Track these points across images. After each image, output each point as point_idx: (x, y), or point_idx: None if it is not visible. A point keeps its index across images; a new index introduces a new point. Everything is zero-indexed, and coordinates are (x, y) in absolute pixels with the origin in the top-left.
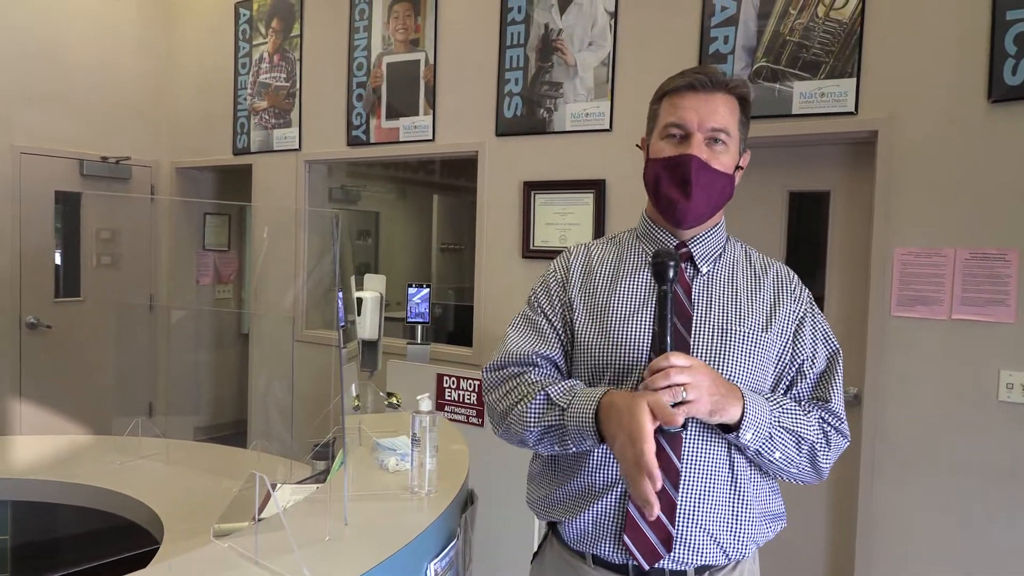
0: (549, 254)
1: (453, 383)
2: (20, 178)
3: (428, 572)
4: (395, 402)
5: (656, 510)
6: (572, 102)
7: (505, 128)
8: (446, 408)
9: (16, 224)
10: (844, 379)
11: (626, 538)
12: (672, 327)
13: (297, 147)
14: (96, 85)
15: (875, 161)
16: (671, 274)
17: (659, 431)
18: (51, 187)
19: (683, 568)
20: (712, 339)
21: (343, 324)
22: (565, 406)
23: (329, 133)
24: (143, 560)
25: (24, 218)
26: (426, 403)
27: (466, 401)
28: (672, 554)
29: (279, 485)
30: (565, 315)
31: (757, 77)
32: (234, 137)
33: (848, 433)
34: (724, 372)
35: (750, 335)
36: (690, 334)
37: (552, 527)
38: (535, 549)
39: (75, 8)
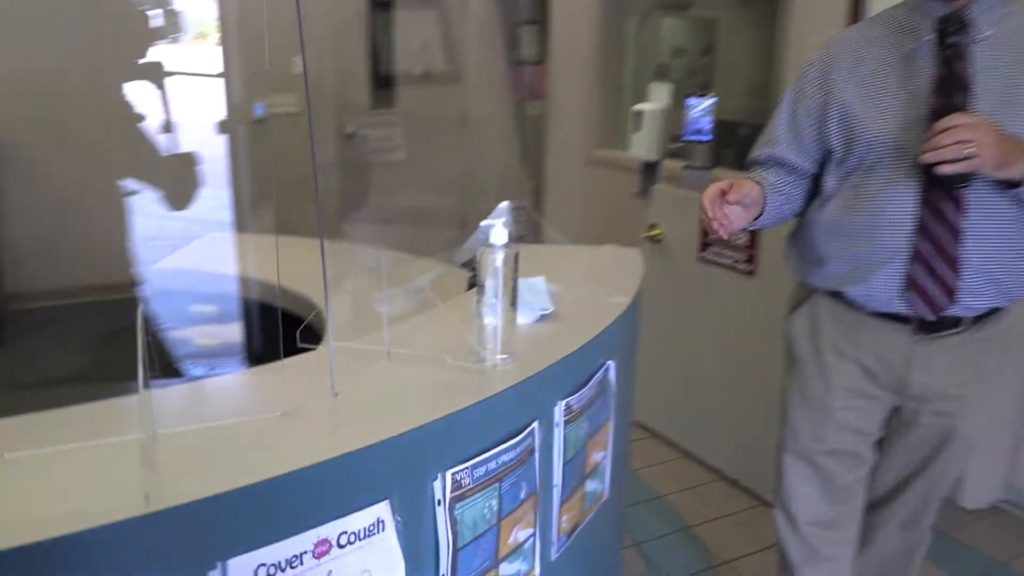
0: None
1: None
2: None
3: (434, 490)
4: (656, 236)
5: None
6: None
7: None
8: (710, 248)
9: (334, 35)
10: None
11: (912, 294)
12: (953, 94)
13: None
14: None
15: None
16: (958, 38)
17: (948, 188)
18: None
19: (968, 315)
20: (993, 104)
21: None
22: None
23: None
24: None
25: (338, 31)
26: (500, 233)
27: (735, 242)
28: (957, 304)
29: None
30: (811, 115)
31: None
32: None
33: None
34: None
35: None
36: (968, 99)
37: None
38: (793, 305)
39: None
